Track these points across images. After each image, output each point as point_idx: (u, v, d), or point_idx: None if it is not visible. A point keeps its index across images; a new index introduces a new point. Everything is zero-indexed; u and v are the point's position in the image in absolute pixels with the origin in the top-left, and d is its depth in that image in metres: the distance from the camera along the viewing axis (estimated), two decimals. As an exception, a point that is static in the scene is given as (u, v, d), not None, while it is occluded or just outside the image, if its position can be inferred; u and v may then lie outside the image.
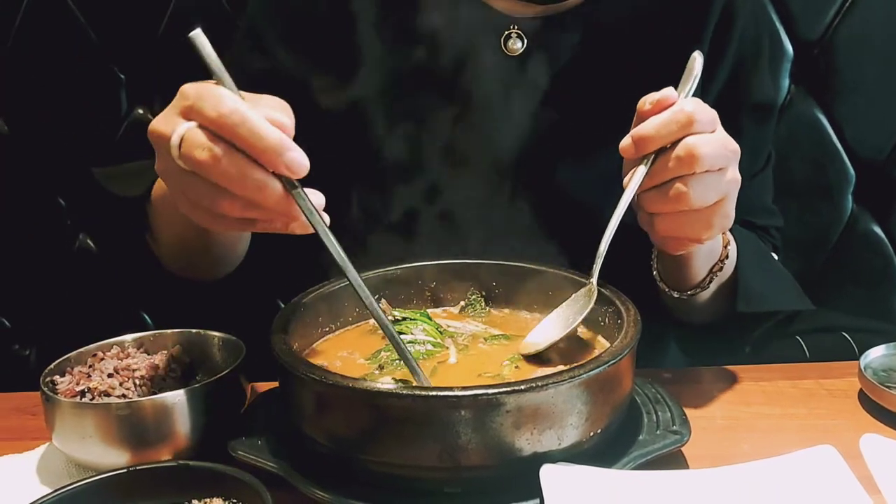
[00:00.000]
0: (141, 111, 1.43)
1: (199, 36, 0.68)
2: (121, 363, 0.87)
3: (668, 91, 0.81)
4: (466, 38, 1.01)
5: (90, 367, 0.87)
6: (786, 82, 1.40)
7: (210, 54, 0.69)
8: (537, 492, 0.70)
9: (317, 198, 0.72)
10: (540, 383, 0.70)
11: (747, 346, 1.15)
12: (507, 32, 1.02)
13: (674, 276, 0.99)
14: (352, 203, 1.03)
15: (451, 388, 0.70)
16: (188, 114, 0.69)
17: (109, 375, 0.85)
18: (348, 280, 0.76)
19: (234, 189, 0.68)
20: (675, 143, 0.80)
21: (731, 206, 0.85)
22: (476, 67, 1.01)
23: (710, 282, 0.97)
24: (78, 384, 0.84)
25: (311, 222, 0.71)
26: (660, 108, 0.80)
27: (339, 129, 1.03)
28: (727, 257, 0.96)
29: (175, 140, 0.68)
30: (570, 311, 0.87)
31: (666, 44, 1.03)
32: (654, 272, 0.99)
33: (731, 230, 0.93)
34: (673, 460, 0.80)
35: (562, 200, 1.04)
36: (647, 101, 0.81)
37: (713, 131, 0.81)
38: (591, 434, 0.74)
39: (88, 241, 1.49)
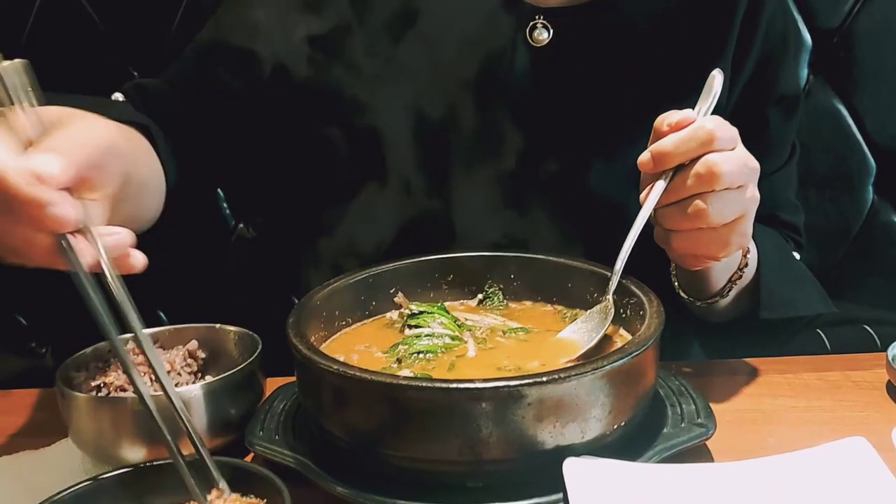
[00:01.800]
0: (155, 108, 1.42)
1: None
2: (137, 359, 0.86)
3: (687, 112, 0.80)
4: (492, 28, 1.00)
5: (106, 362, 0.86)
6: (805, 72, 1.38)
7: None
8: (560, 486, 0.69)
9: (115, 239, 0.67)
10: (562, 375, 0.69)
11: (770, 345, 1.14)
12: (532, 23, 1.01)
13: (692, 286, 0.98)
14: (374, 197, 1.02)
15: (471, 381, 0.69)
16: None
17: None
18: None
19: (6, 242, 0.65)
20: (694, 160, 0.79)
21: (748, 225, 0.84)
22: (501, 58, 1.00)
23: (730, 290, 0.96)
24: (94, 380, 0.83)
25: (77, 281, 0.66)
26: (678, 129, 0.80)
27: (363, 121, 1.02)
28: (746, 266, 0.95)
29: None
30: (586, 329, 0.85)
31: (693, 35, 1.02)
32: (674, 282, 0.98)
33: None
34: (698, 453, 0.79)
35: (585, 193, 1.03)
36: (664, 122, 0.80)
37: (733, 148, 0.80)
38: (615, 427, 0.73)
39: (103, 240, 1.48)
